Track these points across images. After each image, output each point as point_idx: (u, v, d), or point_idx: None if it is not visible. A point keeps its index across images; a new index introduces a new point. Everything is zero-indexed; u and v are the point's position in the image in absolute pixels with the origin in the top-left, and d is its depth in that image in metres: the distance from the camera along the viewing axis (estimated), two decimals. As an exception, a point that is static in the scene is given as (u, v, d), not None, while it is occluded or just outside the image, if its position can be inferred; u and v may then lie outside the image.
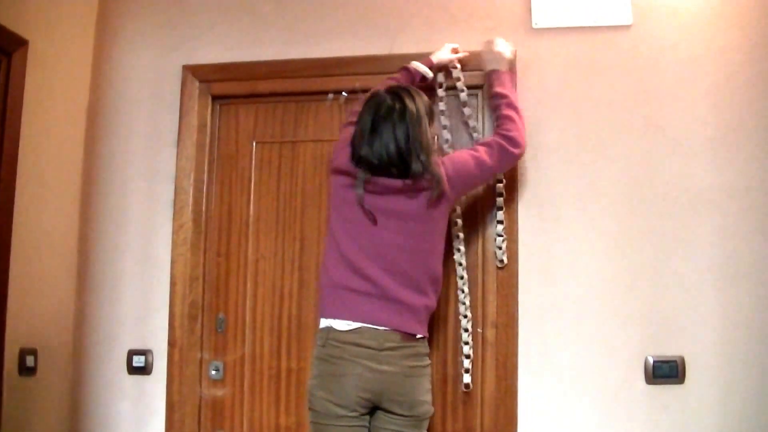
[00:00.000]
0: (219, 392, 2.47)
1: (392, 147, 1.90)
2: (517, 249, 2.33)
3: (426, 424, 2.00)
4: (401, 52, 2.44)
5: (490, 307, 2.32)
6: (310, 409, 1.96)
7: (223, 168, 2.56)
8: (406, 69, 2.29)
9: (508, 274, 2.32)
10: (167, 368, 2.45)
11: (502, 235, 2.32)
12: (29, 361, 2.31)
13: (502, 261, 2.32)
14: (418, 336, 2.00)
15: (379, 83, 2.20)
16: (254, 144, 2.54)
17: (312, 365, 1.99)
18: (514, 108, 2.16)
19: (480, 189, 2.38)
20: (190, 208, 2.50)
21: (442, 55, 2.32)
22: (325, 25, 2.54)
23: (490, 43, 2.29)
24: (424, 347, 2.02)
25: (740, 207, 2.27)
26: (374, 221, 1.95)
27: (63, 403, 2.49)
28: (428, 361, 2.03)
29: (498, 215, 2.33)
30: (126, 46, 2.65)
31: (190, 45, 2.60)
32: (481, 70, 2.32)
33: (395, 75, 2.29)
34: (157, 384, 2.46)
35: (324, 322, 1.98)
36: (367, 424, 1.94)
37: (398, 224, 1.97)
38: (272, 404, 2.43)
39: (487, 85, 2.29)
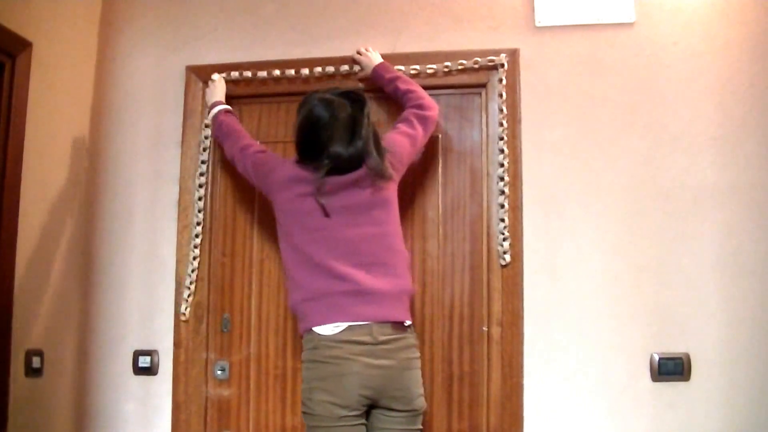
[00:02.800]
0: (225, 392, 2.47)
1: (360, 143, 1.97)
2: (521, 247, 2.33)
3: (421, 418, 2.00)
4: (404, 51, 2.45)
5: (495, 305, 2.33)
6: (305, 413, 1.93)
7: (227, 168, 2.55)
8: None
9: (512, 272, 2.32)
10: (173, 369, 2.45)
11: (504, 234, 2.32)
12: (35, 362, 2.31)
13: (504, 259, 2.32)
14: (407, 324, 2.00)
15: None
16: (258, 144, 2.54)
17: (304, 370, 1.96)
18: (409, 82, 2.30)
19: (485, 187, 2.39)
20: (195, 208, 2.50)
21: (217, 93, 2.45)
22: (328, 24, 2.54)
23: (359, 52, 2.41)
24: (413, 338, 2.03)
25: (744, 204, 2.27)
26: (331, 220, 1.97)
27: (69, 404, 2.50)
28: (419, 353, 2.04)
29: (500, 213, 2.34)
30: (129, 47, 2.65)
31: (194, 45, 2.60)
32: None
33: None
34: (162, 384, 2.47)
35: (307, 330, 1.97)
36: (366, 422, 1.93)
37: (361, 216, 1.99)
38: (278, 404, 2.44)
39: (376, 79, 2.36)
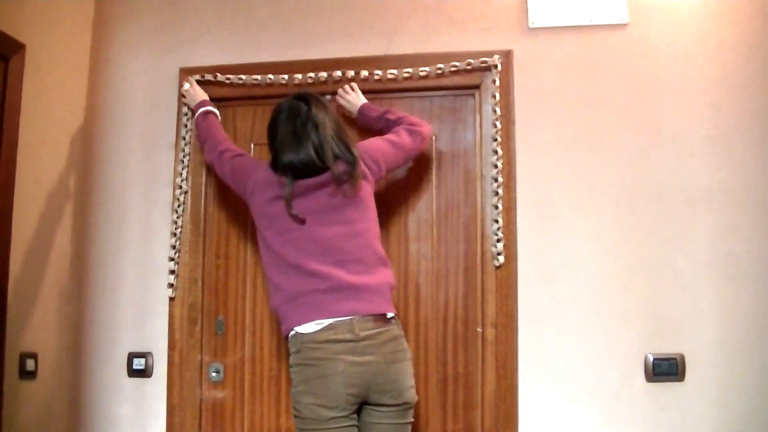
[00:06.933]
0: (219, 394, 2.47)
1: (311, 149, 1.97)
2: (515, 249, 2.33)
3: (412, 412, 1.98)
4: (398, 53, 2.45)
5: (489, 306, 2.33)
6: (296, 417, 1.93)
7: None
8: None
9: (507, 273, 2.32)
10: (167, 371, 2.45)
11: (498, 235, 2.33)
12: (29, 365, 2.31)
13: (498, 261, 2.32)
14: (389, 315, 1.98)
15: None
16: (252, 146, 2.55)
17: (292, 374, 1.96)
18: (398, 112, 2.29)
19: (479, 188, 2.39)
20: (189, 210, 2.50)
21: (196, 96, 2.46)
22: (321, 26, 2.54)
23: (341, 95, 2.40)
24: (398, 329, 2.01)
25: (737, 204, 2.27)
26: (303, 222, 1.97)
27: (63, 406, 2.49)
28: (406, 345, 2.01)
29: (494, 214, 2.34)
30: (123, 49, 2.65)
31: (187, 47, 2.60)
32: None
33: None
34: (157, 386, 2.46)
35: (291, 332, 1.97)
36: (357, 423, 1.93)
37: (332, 216, 1.99)
38: (273, 406, 2.44)
39: (363, 119, 2.35)
